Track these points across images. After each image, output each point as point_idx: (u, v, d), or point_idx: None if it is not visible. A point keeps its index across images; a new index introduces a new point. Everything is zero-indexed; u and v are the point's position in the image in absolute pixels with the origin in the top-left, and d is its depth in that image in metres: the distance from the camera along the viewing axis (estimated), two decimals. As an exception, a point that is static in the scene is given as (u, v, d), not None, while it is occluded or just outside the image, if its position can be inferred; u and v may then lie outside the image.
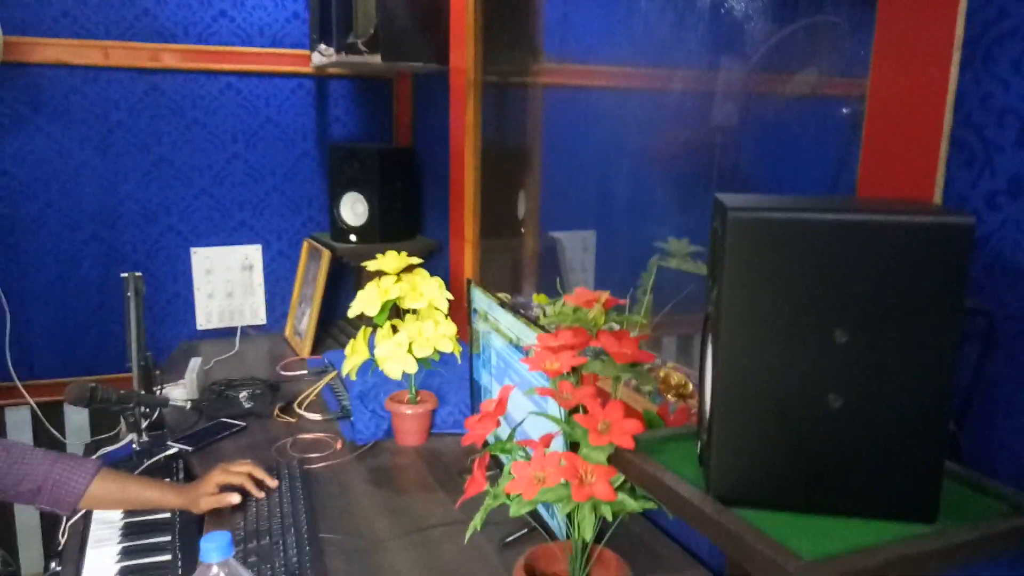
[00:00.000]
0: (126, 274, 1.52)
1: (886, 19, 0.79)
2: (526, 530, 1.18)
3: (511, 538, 1.18)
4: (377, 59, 1.98)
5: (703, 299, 0.79)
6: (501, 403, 0.90)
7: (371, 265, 1.52)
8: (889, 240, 0.60)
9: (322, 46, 2.17)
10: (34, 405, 2.21)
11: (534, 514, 1.19)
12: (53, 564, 1.29)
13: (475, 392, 1.53)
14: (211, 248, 2.37)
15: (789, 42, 1.38)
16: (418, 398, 1.58)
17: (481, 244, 2.16)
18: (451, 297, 1.52)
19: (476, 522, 0.87)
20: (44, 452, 1.27)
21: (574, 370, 0.88)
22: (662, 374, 1.30)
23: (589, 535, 0.77)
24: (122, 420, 1.49)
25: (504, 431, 0.98)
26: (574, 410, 0.85)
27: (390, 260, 1.51)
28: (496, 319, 1.34)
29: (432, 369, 1.53)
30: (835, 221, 0.60)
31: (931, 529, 0.62)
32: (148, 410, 1.43)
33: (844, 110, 1.27)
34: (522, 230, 2.22)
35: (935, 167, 0.75)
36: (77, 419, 2.30)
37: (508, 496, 0.84)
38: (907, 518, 0.64)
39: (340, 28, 2.05)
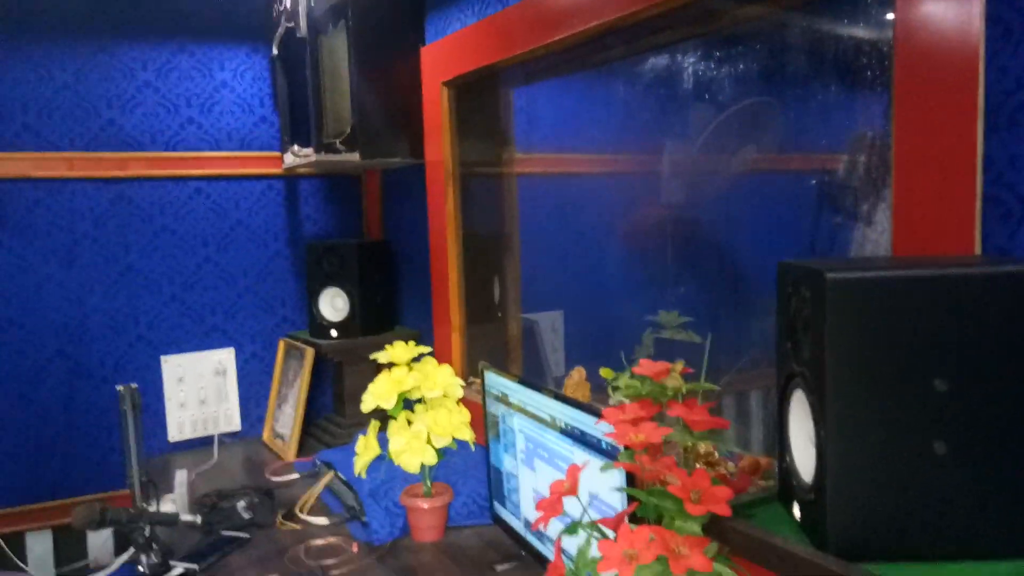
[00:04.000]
0: (121, 387, 1.45)
1: (904, 93, 0.87)
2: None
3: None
4: (355, 157, 2.01)
5: (775, 359, 0.82)
6: (573, 484, 0.89)
7: (381, 357, 1.50)
8: (979, 291, 0.64)
9: (295, 147, 2.19)
10: (-7, 539, 2.04)
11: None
12: None
13: (495, 479, 1.51)
14: (182, 355, 2.29)
15: (735, 122, 1.49)
16: (433, 490, 1.54)
17: (467, 329, 2.17)
18: (464, 384, 1.51)
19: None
20: None
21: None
22: (690, 444, 1.31)
23: (694, 608, 0.76)
24: (91, 544, 1.39)
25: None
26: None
27: (400, 350, 1.50)
28: (522, 401, 1.33)
29: (443, 459, 1.50)
30: (928, 276, 0.65)
31: (1048, 563, 0.65)
32: (154, 529, 1.34)
33: (812, 181, 1.37)
34: (499, 314, 2.24)
35: (972, 224, 0.81)
36: (39, 549, 2.13)
37: (595, 578, 0.83)
38: (1022, 555, 0.66)
39: (315, 129, 2.09)
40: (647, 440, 0.81)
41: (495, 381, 1.45)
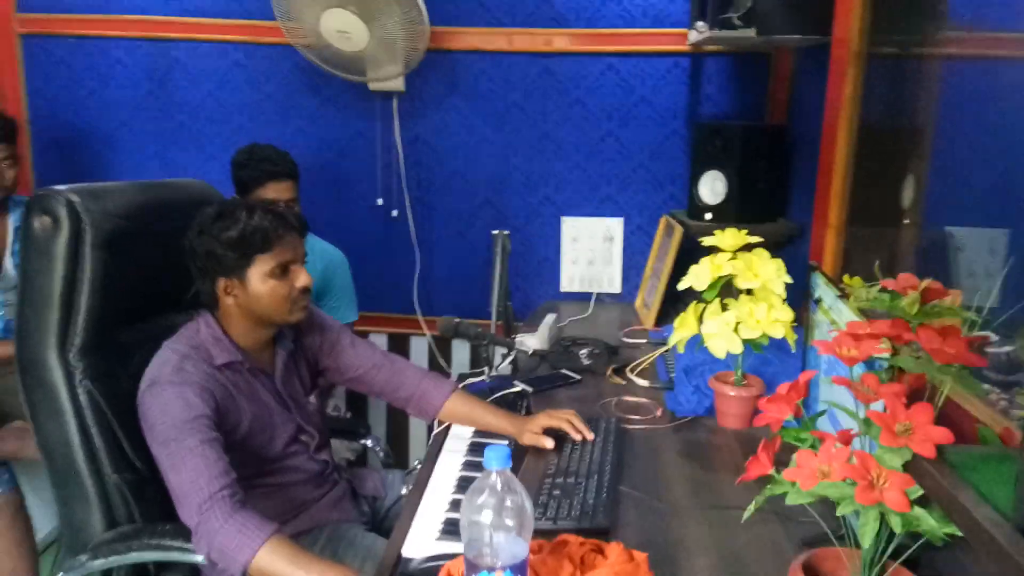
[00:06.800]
0: (496, 232, 1.75)
1: None
2: (829, 532, 1.09)
3: (810, 538, 1.10)
4: (751, 33, 1.93)
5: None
6: (798, 386, 0.85)
7: (707, 241, 1.51)
8: None
9: (699, 23, 2.17)
10: (430, 337, 2.67)
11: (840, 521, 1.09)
12: (416, 461, 1.58)
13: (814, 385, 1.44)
14: (578, 218, 2.57)
15: None
16: (744, 381, 1.53)
17: (848, 232, 1.98)
18: (789, 280, 1.44)
19: (758, 501, 0.84)
20: (417, 368, 1.55)
21: (892, 367, 0.79)
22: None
23: (868, 542, 0.70)
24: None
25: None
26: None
27: (728, 237, 1.48)
28: (835, 311, 1.23)
29: (760, 354, 1.48)
30: None
31: None
32: (500, 350, 1.64)
33: None
34: (904, 221, 1.98)
35: None
36: (460, 354, 2.72)
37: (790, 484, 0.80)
38: None
39: (720, 4, 2.04)
40: (859, 356, 0.72)
41: (821, 287, 1.35)
